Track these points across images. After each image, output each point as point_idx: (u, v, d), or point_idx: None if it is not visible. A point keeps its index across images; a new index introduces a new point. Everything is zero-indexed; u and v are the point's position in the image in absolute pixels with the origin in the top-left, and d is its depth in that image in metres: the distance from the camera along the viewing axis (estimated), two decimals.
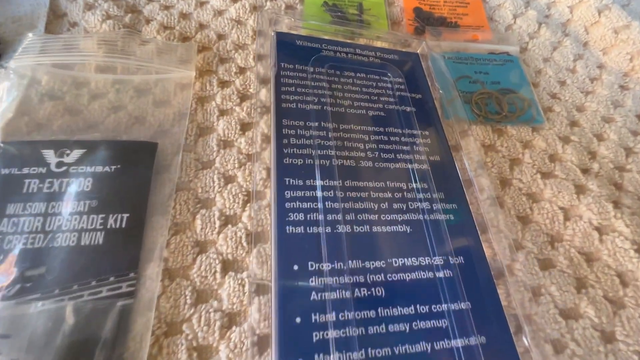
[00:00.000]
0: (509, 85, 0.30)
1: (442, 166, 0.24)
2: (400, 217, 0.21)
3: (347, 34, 0.30)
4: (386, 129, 0.24)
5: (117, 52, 0.29)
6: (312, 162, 0.21)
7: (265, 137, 0.24)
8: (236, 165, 0.25)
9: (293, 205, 0.20)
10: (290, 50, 0.26)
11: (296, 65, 0.25)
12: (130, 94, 0.28)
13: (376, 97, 0.26)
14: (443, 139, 0.25)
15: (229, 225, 0.23)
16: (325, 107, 0.24)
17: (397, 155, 0.23)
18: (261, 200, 0.22)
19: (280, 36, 0.27)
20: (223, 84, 0.29)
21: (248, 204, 0.23)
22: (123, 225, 0.21)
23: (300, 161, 0.21)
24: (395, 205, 0.21)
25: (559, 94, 0.30)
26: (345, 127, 0.23)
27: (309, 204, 0.20)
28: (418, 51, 0.30)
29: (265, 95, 0.25)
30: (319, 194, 0.20)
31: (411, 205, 0.21)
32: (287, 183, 0.20)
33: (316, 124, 0.23)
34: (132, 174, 0.23)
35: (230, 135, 0.26)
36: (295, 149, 0.22)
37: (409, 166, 0.23)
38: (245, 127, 0.27)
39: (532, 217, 0.24)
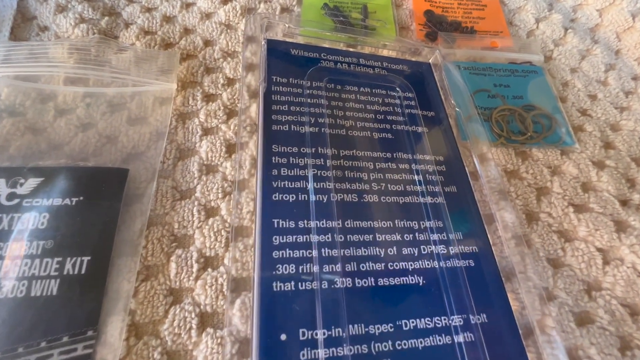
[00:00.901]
0: (533, 100, 0.26)
1: (460, 199, 0.20)
2: (411, 265, 0.17)
3: (350, 41, 0.26)
4: (394, 154, 0.21)
5: (90, 61, 0.25)
6: (306, 199, 0.18)
7: (255, 162, 0.20)
8: (220, 195, 0.21)
9: (282, 254, 0.16)
10: (283, 61, 0.23)
11: (290, 79, 0.22)
12: (102, 109, 0.24)
13: (382, 116, 0.22)
14: (460, 165, 0.22)
15: (209, 270, 0.19)
16: (323, 129, 0.20)
17: (407, 187, 0.20)
18: (247, 238, 0.19)
19: (272, 45, 0.23)
20: (208, 97, 0.25)
21: (231, 243, 0.20)
22: (82, 271, 0.18)
23: (293, 197, 0.18)
24: (405, 251, 0.18)
25: (589, 111, 0.27)
26: (346, 154, 0.20)
27: (301, 252, 0.16)
28: (430, 60, 0.27)
29: (256, 111, 0.22)
30: (314, 238, 0.17)
31: (424, 250, 0.18)
32: (275, 226, 0.17)
33: (312, 149, 0.20)
34: (97, 207, 0.19)
35: (214, 158, 0.23)
36: (286, 182, 0.18)
37: (421, 200, 0.20)
38: (232, 149, 0.23)
39: (564, 259, 0.20)
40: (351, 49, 0.26)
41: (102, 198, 0.20)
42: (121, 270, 0.19)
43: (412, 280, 0.17)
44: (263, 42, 0.23)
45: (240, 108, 0.23)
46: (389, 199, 0.19)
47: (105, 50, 0.26)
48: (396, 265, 0.17)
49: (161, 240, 0.20)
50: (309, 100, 0.21)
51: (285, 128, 0.20)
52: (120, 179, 0.21)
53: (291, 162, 0.19)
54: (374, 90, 0.23)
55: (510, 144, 0.24)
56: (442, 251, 0.18)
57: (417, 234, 0.18)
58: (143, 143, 0.23)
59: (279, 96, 0.21)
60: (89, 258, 0.18)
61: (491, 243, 0.20)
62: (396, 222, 0.18)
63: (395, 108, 0.23)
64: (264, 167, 0.18)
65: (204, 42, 0.28)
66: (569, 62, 0.29)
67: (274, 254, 0.16)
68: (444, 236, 0.19)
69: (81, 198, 0.20)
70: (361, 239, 0.17)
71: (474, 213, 0.20)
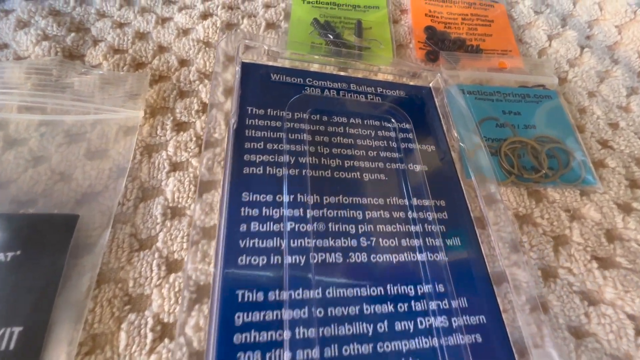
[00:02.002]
0: (547, 130, 0.23)
1: (465, 255, 0.17)
2: (405, 345, 0.14)
3: (341, 65, 0.23)
4: (387, 200, 0.18)
5: (49, 86, 0.23)
6: (279, 261, 0.15)
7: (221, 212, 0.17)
8: (184, 246, 0.19)
9: (246, 338, 0.13)
10: (261, 88, 0.20)
11: (268, 111, 0.19)
12: (58, 140, 0.21)
13: (375, 153, 0.19)
14: (464, 211, 0.19)
15: (166, 341, 0.16)
16: (304, 172, 0.18)
17: (402, 241, 0.17)
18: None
19: (248, 69, 0.20)
20: (179, 126, 0.23)
21: (196, 306, 0.17)
22: (11, 347, 0.15)
23: (263, 260, 0.15)
24: (398, 326, 0.15)
25: (611, 142, 0.24)
26: (330, 201, 0.17)
27: (270, 334, 0.13)
28: (430, 84, 0.24)
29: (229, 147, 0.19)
30: (286, 315, 0.14)
31: (421, 323, 0.15)
32: (240, 300, 0.14)
33: (290, 197, 0.17)
34: (36, 264, 0.17)
35: (181, 200, 0.20)
36: (256, 241, 0.15)
37: (419, 257, 0.17)
38: (204, 187, 0.21)
39: (589, 327, 0.17)
40: (342, 73, 0.23)
41: (43, 252, 0.17)
42: (60, 342, 0.16)
43: None
44: (237, 67, 0.20)
45: (216, 139, 0.20)
46: (380, 258, 0.16)
47: (68, 72, 0.24)
48: (387, 346, 0.14)
49: (112, 302, 0.17)
50: (289, 135, 0.18)
51: (259, 171, 0.17)
52: (68, 227, 0.18)
53: (264, 214, 0.16)
54: (365, 121, 0.20)
55: (522, 182, 0.21)
56: (443, 324, 0.15)
57: (413, 303, 0.15)
58: (101, 181, 0.20)
59: (253, 131, 0.18)
60: (20, 329, 0.15)
61: (501, 309, 0.17)
62: (388, 288, 0.15)
63: (390, 142, 0.20)
64: (230, 222, 0.15)
65: (179, 62, 0.25)
66: (586, 85, 0.26)
67: (235, 338, 0.13)
68: (445, 304, 0.16)
69: (18, 252, 0.17)
70: (345, 312, 0.14)
71: (481, 273, 0.17)
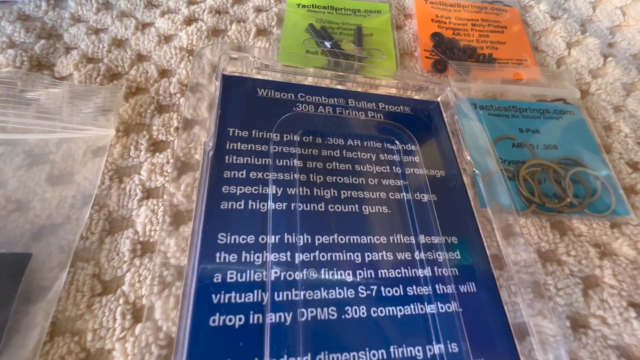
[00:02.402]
0: (571, 152, 0.21)
1: (479, 303, 0.15)
2: None
3: (338, 78, 0.21)
4: (391, 238, 0.15)
5: (12, 100, 0.20)
6: (260, 320, 0.12)
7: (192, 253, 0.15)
8: (155, 290, 0.16)
9: None
10: (245, 106, 0.17)
11: (253, 133, 0.16)
12: (17, 162, 0.19)
13: (376, 181, 0.17)
14: (479, 249, 0.16)
15: None
16: (293, 205, 0.15)
17: (408, 289, 0.14)
18: None
19: (231, 83, 0.18)
20: (156, 146, 0.20)
21: None
22: None
23: (241, 320, 0.12)
24: None
25: None
26: (324, 241, 0.14)
27: None
28: (439, 99, 0.21)
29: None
30: None
31: None
32: None
33: (276, 238, 0.14)
34: None
35: (153, 233, 0.17)
36: (233, 295, 0.13)
37: (427, 309, 0.14)
38: (181, 218, 0.18)
39: None
40: (339, 87, 0.20)
41: None
42: None
43: None
44: (217, 82, 0.17)
45: (197, 160, 0.18)
46: (382, 312, 0.13)
47: (35, 84, 0.21)
48: None
49: None
50: (276, 161, 0.16)
51: (240, 205, 0.14)
52: (18, 270, 0.15)
53: (244, 259, 0.13)
54: (365, 143, 0.18)
55: (544, 212, 0.19)
56: None
57: None
58: (62, 211, 0.18)
59: (234, 157, 0.16)
60: None
61: None
62: (392, 351, 0.13)
63: (394, 167, 0.17)
64: (201, 272, 0.13)
65: (159, 72, 0.23)
66: (611, 98, 0.24)
67: None
68: None
69: None
70: None
71: (500, 325, 0.14)
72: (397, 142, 0.18)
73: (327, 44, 0.23)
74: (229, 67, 0.19)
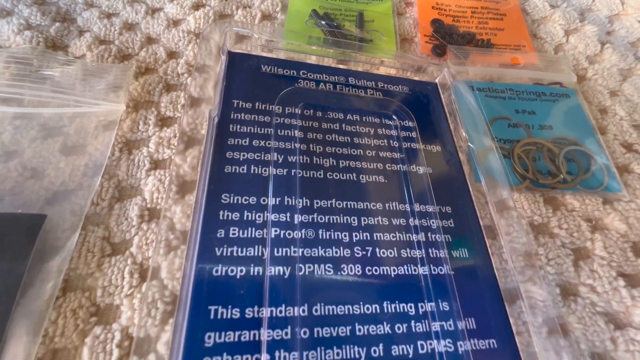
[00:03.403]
0: (565, 132, 0.21)
1: (470, 268, 0.15)
2: None
3: (340, 56, 0.22)
4: (387, 205, 0.16)
5: (28, 76, 0.21)
6: (260, 272, 0.13)
7: (197, 215, 0.16)
8: (162, 251, 0.17)
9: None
10: (249, 80, 0.18)
11: (256, 104, 0.17)
12: (32, 134, 0.20)
13: (374, 153, 0.17)
14: (472, 219, 0.17)
15: (134, 358, 0.14)
16: (293, 171, 0.16)
17: (402, 252, 0.15)
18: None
19: (236, 59, 0.19)
20: (164, 121, 0.21)
21: (170, 320, 0.15)
22: None
23: (242, 271, 0.13)
24: (395, 350, 0.13)
25: (636, 145, 0.21)
26: (322, 205, 0.15)
27: (243, 359, 0.11)
28: (437, 80, 0.22)
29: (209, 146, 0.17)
30: (264, 335, 0.12)
31: (423, 348, 0.13)
32: (212, 317, 0.12)
33: (276, 200, 0.15)
34: None
35: (160, 200, 0.18)
36: (235, 249, 0.13)
37: (420, 271, 0.15)
38: (187, 188, 0.19)
39: (615, 355, 0.15)
40: (341, 66, 0.21)
41: (3, 255, 0.15)
42: (16, 357, 0.14)
43: None
44: (222, 57, 0.18)
45: (203, 135, 0.18)
46: (376, 271, 0.14)
47: (50, 63, 0.22)
48: None
49: (77, 313, 0.15)
50: (278, 131, 0.17)
51: (243, 170, 0.15)
52: (33, 229, 0.16)
53: (245, 218, 0.14)
54: (364, 118, 0.18)
55: (538, 188, 0.19)
56: (448, 348, 0.13)
57: (413, 324, 0.13)
58: (75, 178, 0.19)
59: (238, 126, 0.16)
60: None
61: (514, 332, 0.14)
62: (385, 305, 0.13)
63: (391, 141, 0.18)
64: (205, 227, 0.14)
65: (168, 54, 0.24)
66: (608, 83, 0.24)
67: (206, 340, 0.11)
68: (450, 325, 0.14)
69: None
70: (334, 334, 0.12)
71: (491, 289, 0.15)
72: (395, 118, 0.19)
73: (328, 24, 0.23)
74: (235, 48, 0.20)
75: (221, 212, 0.14)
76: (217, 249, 0.13)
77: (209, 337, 0.12)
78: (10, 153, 0.19)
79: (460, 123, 0.20)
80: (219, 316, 0.12)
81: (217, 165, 0.15)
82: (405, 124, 0.19)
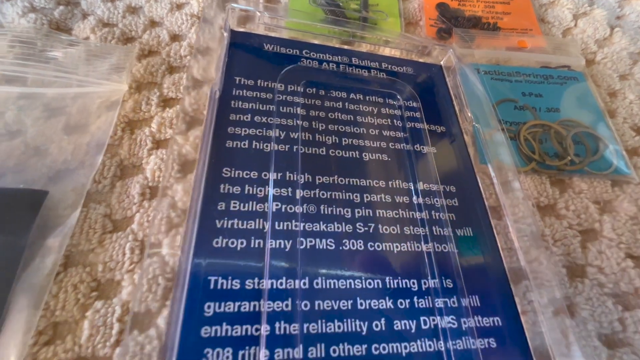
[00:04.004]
0: (573, 114, 0.21)
1: (477, 247, 0.15)
2: (405, 348, 0.12)
3: (344, 36, 0.21)
4: (390, 182, 0.16)
5: (32, 57, 0.21)
6: (261, 245, 0.13)
7: (197, 191, 0.16)
8: (163, 228, 0.17)
9: (218, 327, 0.11)
10: (251, 58, 0.18)
11: (258, 82, 0.17)
12: (36, 114, 0.20)
13: (377, 132, 0.17)
14: (477, 198, 0.17)
15: (135, 333, 0.14)
16: (295, 148, 0.16)
17: (405, 228, 0.15)
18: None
19: (238, 38, 0.18)
20: (166, 102, 0.21)
21: (171, 294, 0.15)
22: None
23: (242, 243, 0.13)
24: (397, 325, 0.12)
25: None
26: (323, 181, 0.15)
27: (245, 328, 0.11)
28: (442, 62, 0.22)
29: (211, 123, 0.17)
30: (265, 306, 0.12)
31: (425, 323, 0.13)
32: (212, 286, 0.12)
33: (278, 175, 0.15)
34: None
35: (162, 179, 0.18)
36: (236, 222, 0.13)
37: (424, 247, 0.14)
38: (187, 167, 0.19)
39: (623, 337, 0.15)
40: (345, 46, 0.21)
41: (4, 229, 0.15)
42: (17, 329, 0.14)
43: None
44: (225, 34, 0.18)
45: (206, 115, 0.18)
46: (378, 247, 0.14)
47: (54, 44, 0.22)
48: (383, 348, 0.12)
49: (78, 288, 0.15)
50: (280, 108, 0.16)
51: (244, 145, 0.15)
52: (34, 205, 0.16)
53: (247, 192, 0.14)
54: (367, 97, 0.18)
55: (545, 170, 0.19)
56: (451, 325, 0.13)
57: (416, 300, 0.13)
58: (77, 157, 0.18)
59: (240, 103, 0.16)
60: None
61: (520, 311, 0.14)
62: (387, 281, 0.13)
63: (395, 121, 0.18)
64: (206, 199, 0.14)
65: (171, 37, 0.24)
66: (617, 67, 0.24)
67: (202, 331, 0.11)
68: (454, 302, 0.13)
69: None
70: (335, 307, 0.12)
71: (496, 267, 0.15)
72: (399, 98, 0.19)
73: (334, 8, 0.23)
74: (239, 28, 0.20)
75: (222, 186, 0.14)
76: (217, 222, 0.13)
77: (209, 307, 0.12)
78: (14, 132, 0.19)
79: (466, 104, 0.19)
80: (218, 286, 0.12)
81: (218, 140, 0.15)
82: (410, 104, 0.19)
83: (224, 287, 0.12)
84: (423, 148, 0.17)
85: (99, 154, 0.18)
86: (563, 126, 0.20)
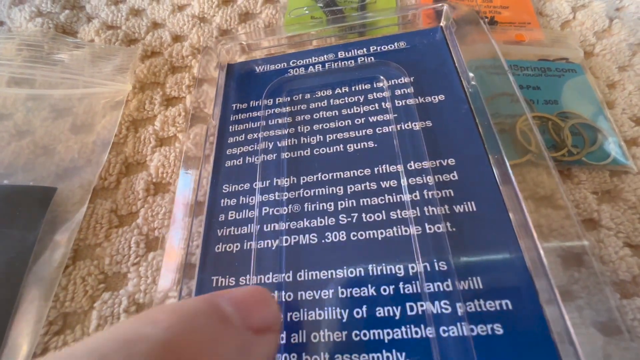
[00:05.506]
0: (571, 106, 0.21)
1: (480, 222, 0.14)
2: (388, 334, 0.12)
3: (342, 32, 0.22)
4: (375, 169, 0.16)
5: (40, 60, 0.22)
6: (250, 247, 0.14)
7: (203, 202, 0.17)
8: (166, 223, 0.17)
9: None
10: (245, 84, 0.20)
11: (251, 102, 0.19)
12: (43, 114, 0.21)
13: (362, 120, 0.17)
14: (483, 167, 0.15)
15: None
16: (281, 155, 0.17)
17: (391, 214, 0.14)
18: (191, 280, 0.15)
19: (232, 69, 0.20)
20: (169, 101, 0.22)
21: (177, 287, 0.16)
22: None
23: (237, 247, 0.15)
24: (380, 312, 0.12)
25: None
26: (308, 180, 0.16)
27: None
28: (441, 24, 0.21)
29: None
30: None
31: (412, 309, 0.13)
32: (215, 284, 0.13)
33: (265, 182, 0.16)
34: (8, 237, 0.16)
35: (165, 175, 0.19)
36: (232, 229, 0.15)
37: (413, 231, 0.14)
38: (190, 163, 0.19)
39: (620, 324, 0.15)
40: (341, 42, 0.21)
41: (16, 225, 0.16)
42: (29, 320, 0.15)
43: (388, 359, 0.12)
44: (220, 72, 0.19)
45: (207, 114, 0.19)
46: (361, 235, 0.14)
47: (60, 46, 0.23)
48: (364, 335, 0.12)
49: (86, 280, 0.16)
50: (268, 122, 0.18)
51: (239, 162, 0.17)
52: (44, 201, 0.17)
53: (240, 202, 0.16)
54: (353, 87, 0.18)
55: (541, 161, 0.19)
56: (444, 310, 0.13)
57: (401, 285, 0.13)
58: (84, 155, 0.19)
59: (236, 126, 0.18)
60: None
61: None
62: (370, 268, 0.13)
63: (383, 104, 0.18)
64: (210, 214, 0.16)
65: (173, 38, 0.24)
66: (617, 58, 0.23)
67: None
68: (447, 286, 0.13)
69: None
70: (317, 296, 0.13)
71: (506, 244, 0.14)
72: (383, 79, 0.18)
73: (332, 7, 0.23)
74: (237, 57, 0.21)
75: (222, 200, 0.16)
76: (218, 231, 0.15)
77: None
78: (23, 132, 0.20)
79: (466, 66, 0.19)
80: (220, 284, 0.14)
81: (219, 161, 0.17)
82: (399, 81, 0.18)
83: (224, 284, 0.14)
84: (415, 125, 0.17)
85: (104, 152, 0.19)
86: (561, 118, 0.20)
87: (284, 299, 0.13)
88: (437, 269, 0.13)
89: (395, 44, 0.20)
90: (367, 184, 0.15)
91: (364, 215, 0.14)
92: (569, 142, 0.19)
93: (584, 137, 0.19)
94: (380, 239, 0.14)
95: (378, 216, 0.14)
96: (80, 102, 0.21)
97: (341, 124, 0.17)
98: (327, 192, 0.15)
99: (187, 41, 0.24)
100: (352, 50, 0.20)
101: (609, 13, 0.26)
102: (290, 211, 0.15)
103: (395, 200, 0.15)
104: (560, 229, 0.17)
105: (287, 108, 0.18)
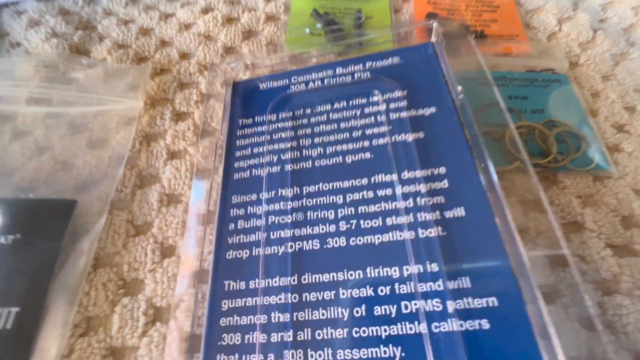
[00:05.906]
0: (556, 115, 0.22)
1: (468, 227, 0.15)
2: (385, 331, 0.13)
3: (341, 49, 0.23)
4: (372, 178, 0.17)
5: (56, 79, 0.23)
6: (259, 253, 0.16)
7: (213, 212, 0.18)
8: (179, 232, 0.19)
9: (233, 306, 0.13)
10: (250, 100, 0.21)
11: (256, 118, 0.20)
12: (61, 131, 0.22)
13: (359, 133, 0.18)
14: (471, 175, 0.16)
15: (157, 324, 0.16)
16: (285, 167, 0.18)
17: (387, 220, 0.16)
18: (204, 285, 0.16)
19: (238, 87, 0.22)
20: (178, 116, 0.23)
21: (189, 290, 0.17)
22: (8, 325, 0.15)
23: (246, 253, 0.16)
24: (377, 310, 0.13)
25: (627, 126, 0.22)
26: (310, 190, 0.17)
27: (249, 318, 0.13)
28: (432, 39, 0.22)
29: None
30: (261, 301, 0.14)
31: (407, 308, 0.14)
32: (227, 289, 0.14)
33: (271, 193, 0.17)
34: (34, 247, 0.17)
35: (177, 186, 0.20)
36: (241, 237, 0.16)
37: (407, 236, 0.15)
38: (201, 175, 0.20)
39: (602, 319, 0.16)
40: (340, 58, 0.22)
41: (41, 235, 0.17)
42: (55, 323, 0.16)
43: (385, 353, 0.13)
44: (227, 89, 0.21)
45: (214, 128, 0.20)
46: (360, 241, 0.15)
47: (75, 66, 0.24)
48: (364, 332, 0.13)
49: (107, 286, 0.17)
50: (273, 136, 0.19)
51: (247, 175, 0.18)
52: (66, 213, 0.18)
53: (249, 212, 0.17)
54: (350, 102, 0.20)
55: (529, 168, 0.20)
56: (436, 308, 0.14)
57: (396, 286, 0.14)
58: (100, 169, 0.20)
59: (243, 140, 0.19)
60: (17, 309, 0.15)
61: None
62: (368, 271, 0.15)
63: (378, 117, 0.19)
64: (221, 223, 0.17)
65: (180, 55, 0.26)
66: (600, 68, 0.25)
67: (221, 321, 0.13)
68: (439, 285, 0.14)
69: (18, 236, 0.17)
70: (320, 297, 0.14)
71: (492, 246, 0.15)
72: (378, 93, 0.20)
73: (332, 26, 0.25)
74: (241, 74, 0.23)
75: (232, 210, 0.17)
76: (228, 239, 0.16)
77: (224, 304, 0.14)
78: (43, 148, 0.21)
79: (452, 77, 0.20)
80: (231, 288, 0.15)
81: (228, 174, 0.18)
82: (393, 95, 0.19)
83: (234, 288, 0.15)
84: (408, 136, 0.18)
85: (120, 166, 0.20)
86: (547, 126, 0.21)
87: (290, 301, 0.14)
88: (429, 270, 0.14)
89: (390, 59, 0.21)
90: (365, 192, 0.16)
91: (362, 222, 0.16)
92: (555, 150, 0.20)
93: (569, 145, 0.21)
94: (377, 243, 0.15)
95: (375, 222, 0.16)
96: (95, 119, 0.22)
97: (340, 136, 0.18)
98: (328, 201, 0.16)
99: (194, 58, 0.25)
100: (350, 67, 0.21)
101: (593, 24, 0.27)
102: (294, 219, 0.16)
103: (390, 208, 0.16)
104: (547, 231, 0.18)
105: (289, 123, 0.19)
